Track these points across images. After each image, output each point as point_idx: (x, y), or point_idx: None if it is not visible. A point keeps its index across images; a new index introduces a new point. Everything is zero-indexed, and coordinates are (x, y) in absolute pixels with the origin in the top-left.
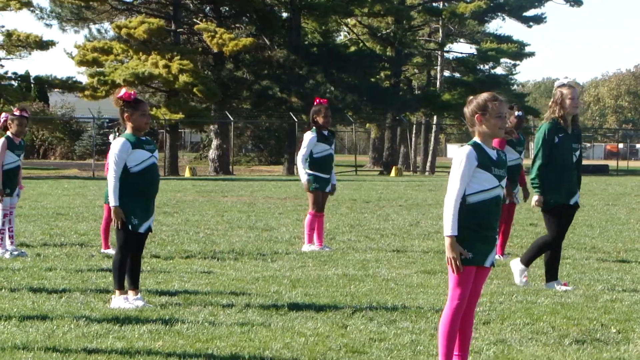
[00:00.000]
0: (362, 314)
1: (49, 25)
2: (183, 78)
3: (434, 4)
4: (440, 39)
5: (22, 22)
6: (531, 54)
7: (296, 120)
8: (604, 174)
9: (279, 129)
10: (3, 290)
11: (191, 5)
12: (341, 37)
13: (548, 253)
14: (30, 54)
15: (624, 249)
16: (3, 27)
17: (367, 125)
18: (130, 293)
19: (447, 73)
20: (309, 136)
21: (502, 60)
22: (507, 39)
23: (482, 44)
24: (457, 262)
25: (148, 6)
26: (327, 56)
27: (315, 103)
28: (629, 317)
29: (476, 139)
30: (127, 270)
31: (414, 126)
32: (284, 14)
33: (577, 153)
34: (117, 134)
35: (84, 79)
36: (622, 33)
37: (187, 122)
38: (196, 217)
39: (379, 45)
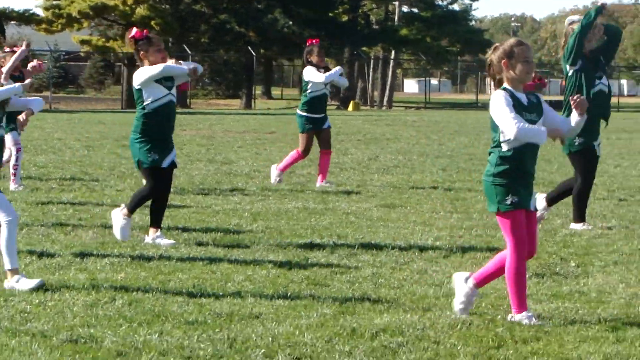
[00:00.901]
0: (323, 247)
1: None
2: (140, 11)
3: None
4: None
5: None
6: None
7: (254, 54)
8: (558, 109)
9: (236, 63)
10: None
11: None
12: None
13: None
14: None
15: None
16: None
17: (326, 59)
18: (151, 231)
19: (405, 8)
20: (311, 68)
21: None
22: None
23: None
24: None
25: None
26: None
27: (307, 44)
28: (587, 251)
29: (506, 85)
30: (151, 209)
31: (372, 61)
32: None
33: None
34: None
35: (41, 13)
36: None
37: None
38: None
39: None
